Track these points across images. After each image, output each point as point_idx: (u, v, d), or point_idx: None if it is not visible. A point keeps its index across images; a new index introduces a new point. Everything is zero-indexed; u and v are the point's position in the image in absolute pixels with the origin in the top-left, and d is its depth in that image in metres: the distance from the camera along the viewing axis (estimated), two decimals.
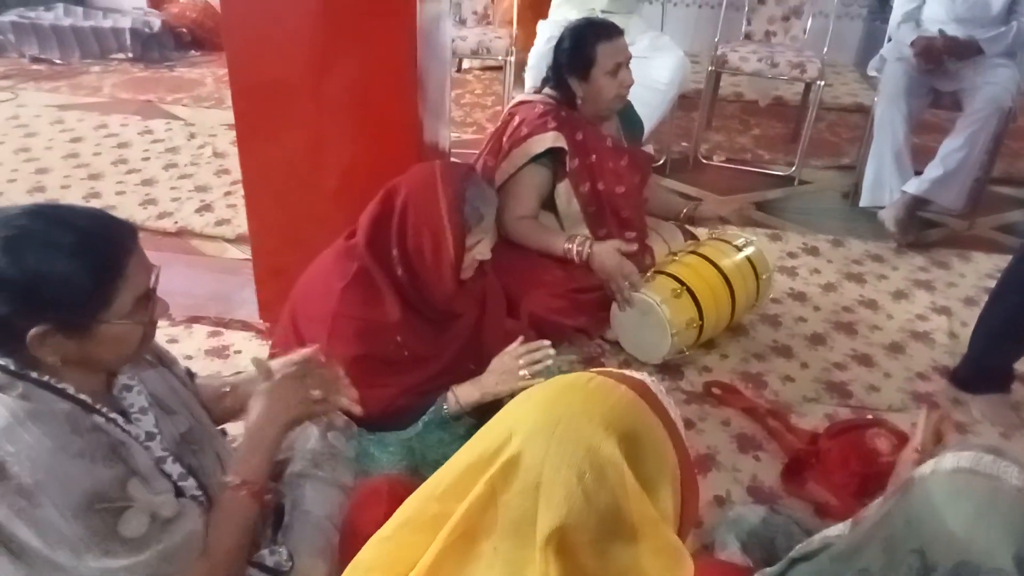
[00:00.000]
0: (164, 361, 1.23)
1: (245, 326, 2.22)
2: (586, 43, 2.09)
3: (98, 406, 1.00)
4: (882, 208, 2.92)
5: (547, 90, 2.21)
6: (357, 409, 1.32)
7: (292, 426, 1.23)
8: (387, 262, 1.56)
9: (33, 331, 0.93)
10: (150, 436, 1.07)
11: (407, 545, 0.78)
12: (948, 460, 0.92)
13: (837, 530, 1.10)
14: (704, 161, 3.61)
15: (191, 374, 1.35)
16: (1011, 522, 0.84)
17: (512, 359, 1.62)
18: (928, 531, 0.86)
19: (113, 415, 1.02)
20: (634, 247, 2.13)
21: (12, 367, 0.96)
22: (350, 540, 1.26)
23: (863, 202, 3.01)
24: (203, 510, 1.09)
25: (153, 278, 1.05)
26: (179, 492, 1.06)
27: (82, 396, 0.99)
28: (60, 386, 0.98)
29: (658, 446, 0.72)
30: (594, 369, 0.82)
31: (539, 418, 0.73)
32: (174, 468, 1.07)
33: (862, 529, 1.00)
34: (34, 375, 0.97)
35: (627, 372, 0.81)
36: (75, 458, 0.93)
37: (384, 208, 1.57)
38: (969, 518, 0.84)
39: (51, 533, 0.91)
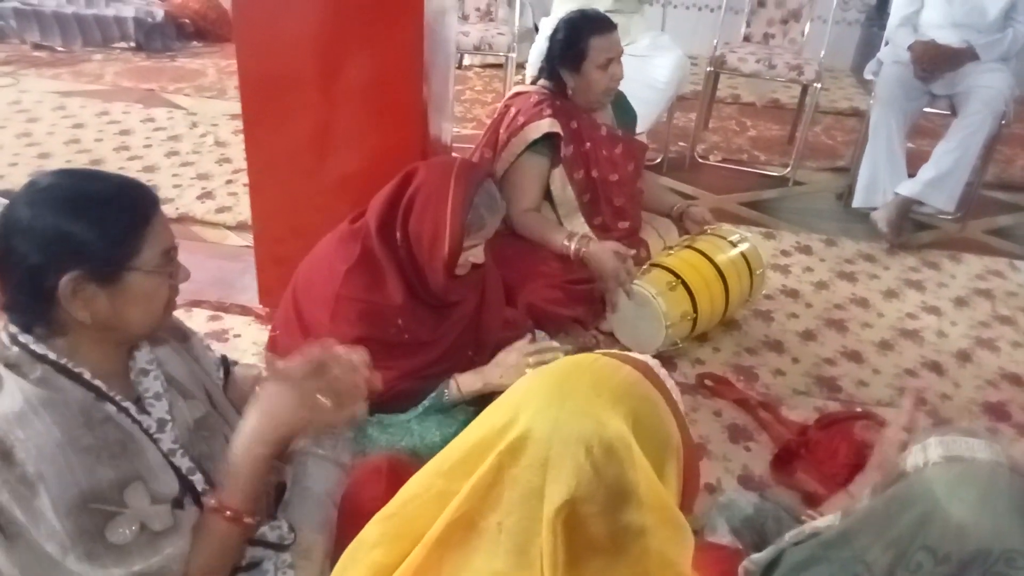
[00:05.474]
0: (183, 340, 1.22)
1: (245, 311, 2.24)
2: (579, 36, 2.12)
3: (112, 393, 1.00)
4: (875, 209, 2.96)
5: (542, 81, 2.25)
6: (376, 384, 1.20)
7: (288, 440, 1.11)
8: (393, 244, 1.59)
9: (66, 277, 0.94)
10: (162, 424, 1.06)
11: (412, 521, 0.79)
12: (935, 449, 0.94)
13: (826, 521, 1.12)
14: (701, 161, 3.64)
15: (227, 363, 1.33)
16: (1015, 502, 0.85)
17: (519, 355, 1.64)
18: (935, 527, 0.86)
19: (126, 404, 1.02)
20: (632, 252, 2.15)
21: (32, 346, 0.97)
22: (348, 517, 1.28)
23: (856, 203, 3.05)
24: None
25: (175, 241, 1.06)
26: (186, 486, 1.06)
27: (97, 382, 0.99)
28: (77, 370, 0.98)
29: (663, 423, 0.75)
30: (598, 351, 0.84)
31: (547, 395, 0.75)
32: (183, 462, 1.06)
33: (855, 520, 1.01)
34: (52, 356, 0.97)
35: (630, 354, 0.84)
36: (80, 453, 0.92)
37: (399, 189, 1.60)
38: (974, 506, 0.84)
39: (43, 525, 0.91)
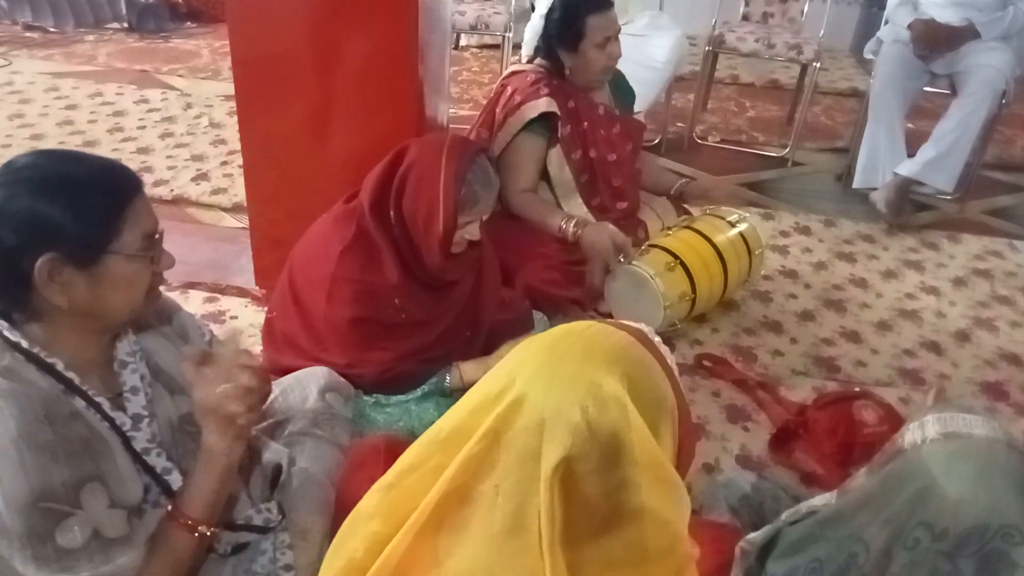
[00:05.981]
0: (167, 322, 1.20)
1: (241, 292, 2.23)
2: (576, 15, 2.09)
3: (85, 387, 0.97)
4: (874, 190, 2.94)
5: (538, 60, 2.22)
6: None
7: (241, 440, 1.05)
8: (387, 223, 1.57)
9: (42, 259, 0.92)
10: (137, 420, 1.03)
11: (409, 492, 0.79)
12: (932, 426, 0.94)
13: (823, 500, 1.12)
14: (699, 141, 3.62)
15: None
16: (1012, 477, 0.85)
17: None
18: (933, 503, 0.86)
19: (98, 399, 0.99)
20: (630, 246, 2.12)
21: (7, 332, 0.95)
22: (346, 497, 1.28)
23: (856, 183, 3.03)
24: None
25: (160, 226, 1.04)
26: (162, 486, 1.03)
27: (69, 374, 0.96)
28: (49, 360, 0.95)
29: (657, 385, 0.75)
30: (590, 321, 0.84)
31: (541, 360, 0.75)
32: (159, 461, 1.04)
33: (852, 498, 1.01)
34: (25, 344, 0.94)
35: (623, 321, 0.84)
36: (36, 450, 0.89)
37: (390, 168, 1.58)
38: (971, 481, 0.84)
39: None
